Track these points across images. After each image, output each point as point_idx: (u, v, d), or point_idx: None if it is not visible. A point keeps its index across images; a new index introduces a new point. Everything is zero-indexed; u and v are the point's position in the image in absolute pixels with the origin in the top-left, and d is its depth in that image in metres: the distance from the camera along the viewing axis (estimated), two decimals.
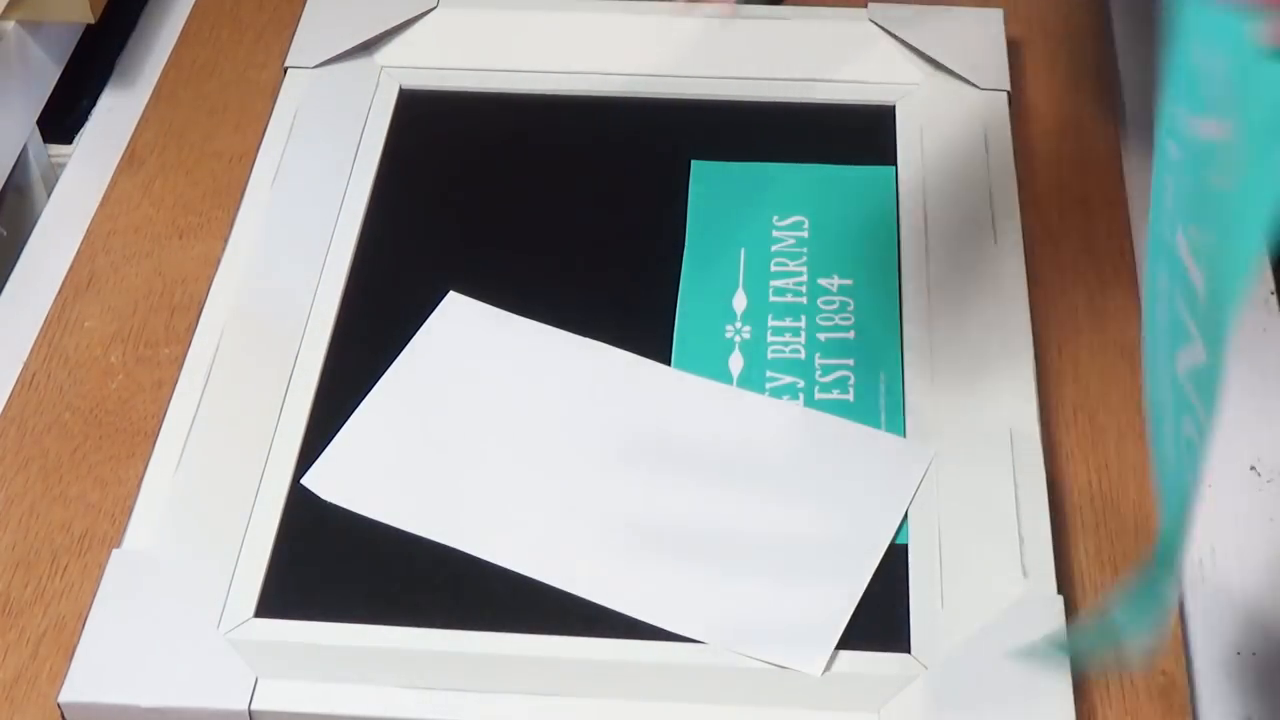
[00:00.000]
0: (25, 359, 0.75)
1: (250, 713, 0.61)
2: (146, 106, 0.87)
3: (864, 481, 0.67)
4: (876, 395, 0.70)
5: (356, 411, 0.70)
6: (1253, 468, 0.71)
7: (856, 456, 0.68)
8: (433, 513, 0.67)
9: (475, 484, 0.68)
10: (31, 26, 0.85)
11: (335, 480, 0.68)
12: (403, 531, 0.67)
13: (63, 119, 0.89)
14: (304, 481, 0.68)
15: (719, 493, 0.67)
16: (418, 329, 0.74)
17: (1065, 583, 0.65)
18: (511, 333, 0.73)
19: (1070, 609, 0.63)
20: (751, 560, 0.65)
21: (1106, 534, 0.68)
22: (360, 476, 0.68)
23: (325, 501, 0.68)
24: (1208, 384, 0.46)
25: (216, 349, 0.73)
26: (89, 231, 0.81)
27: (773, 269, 0.76)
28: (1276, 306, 0.77)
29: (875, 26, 0.85)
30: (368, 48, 0.86)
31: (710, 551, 0.65)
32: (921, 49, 0.84)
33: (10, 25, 0.84)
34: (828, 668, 0.62)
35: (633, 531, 0.66)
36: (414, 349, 0.73)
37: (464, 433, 0.70)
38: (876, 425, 0.69)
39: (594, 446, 0.69)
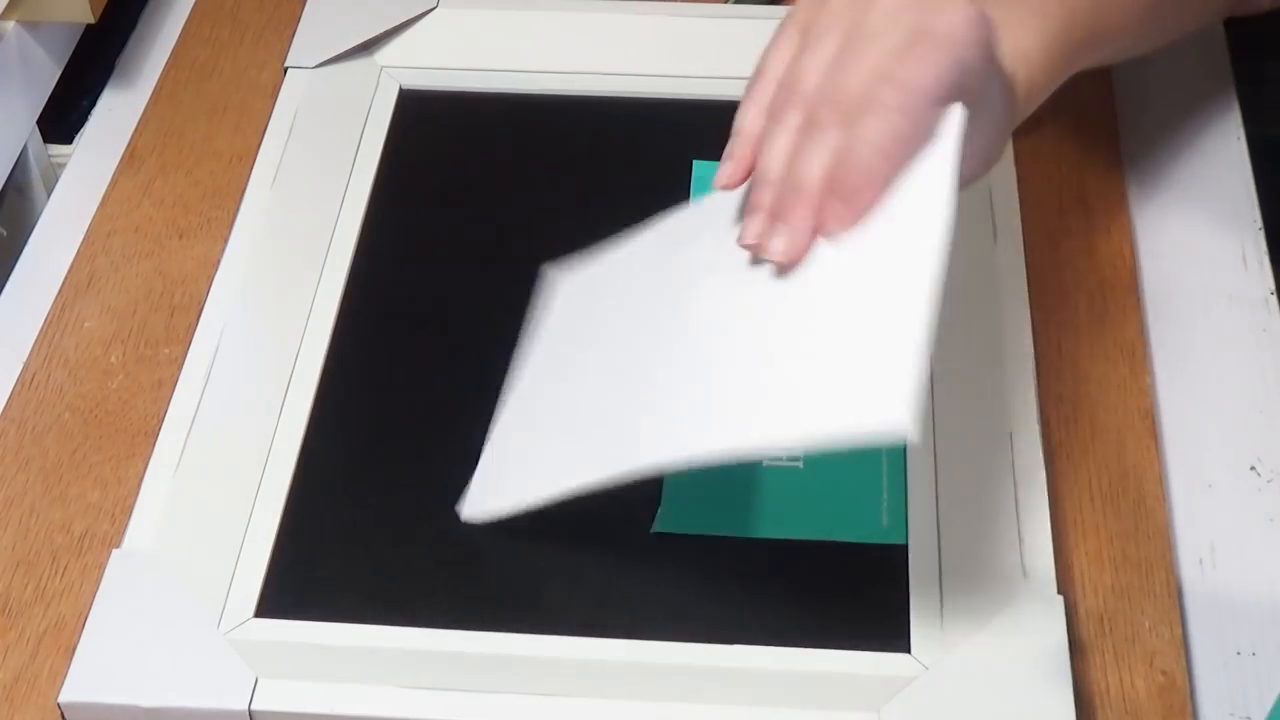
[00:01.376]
0: (25, 359, 0.75)
1: (250, 713, 0.61)
2: (146, 106, 0.87)
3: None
4: None
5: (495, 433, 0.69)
6: (1253, 468, 0.71)
7: None
8: (573, 459, 0.65)
9: (578, 413, 0.67)
10: (31, 26, 0.85)
11: (486, 497, 0.67)
12: (403, 531, 0.67)
13: (63, 119, 0.89)
14: (464, 517, 0.67)
15: (743, 300, 0.63)
16: (418, 329, 0.74)
17: (1065, 583, 0.65)
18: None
19: (1070, 609, 0.63)
20: (797, 344, 0.61)
21: (1106, 534, 0.68)
22: (502, 477, 0.67)
23: (325, 501, 0.68)
24: None
25: (216, 349, 0.73)
26: (89, 231, 0.81)
27: None
28: (1276, 306, 0.77)
29: None
30: (368, 48, 0.86)
31: (750, 353, 0.62)
32: None
33: (10, 25, 0.84)
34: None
35: (691, 376, 0.63)
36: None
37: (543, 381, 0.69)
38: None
39: (656, 329, 0.66)
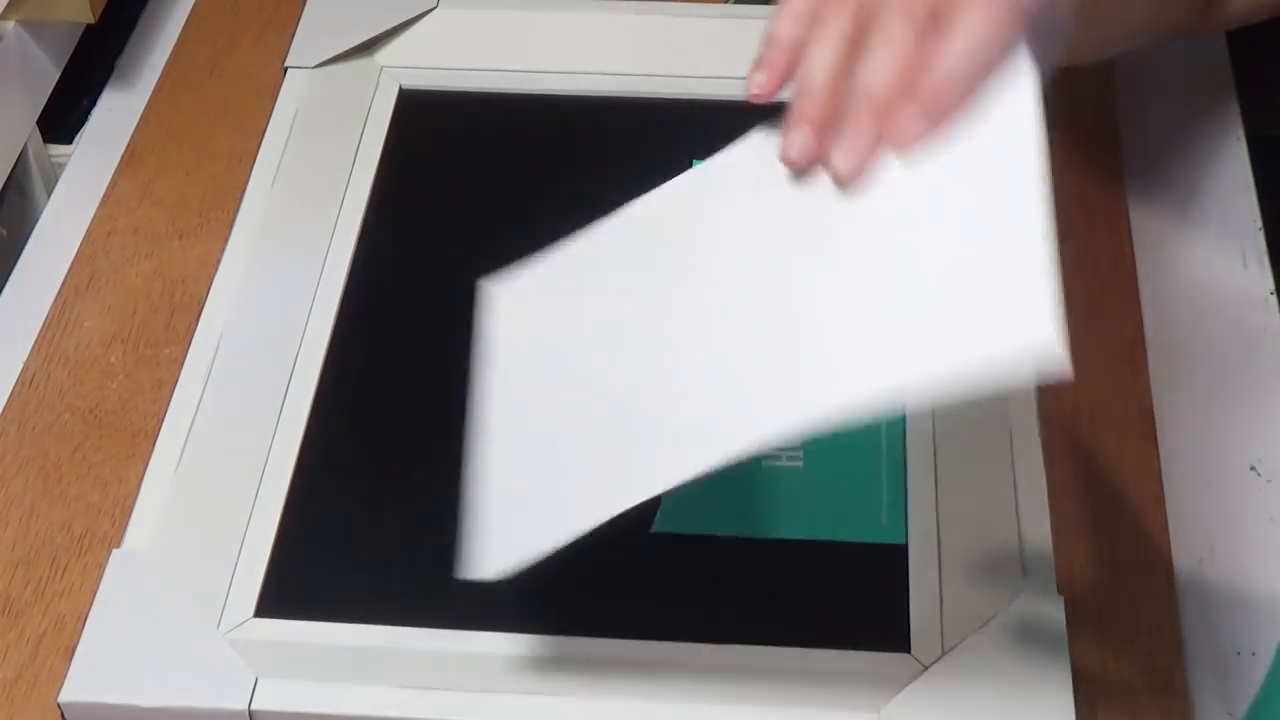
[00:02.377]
0: (25, 359, 0.75)
1: (250, 713, 0.61)
2: (146, 106, 0.87)
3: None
4: None
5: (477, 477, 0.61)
6: (1253, 468, 0.71)
7: None
8: (608, 480, 0.58)
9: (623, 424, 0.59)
10: (31, 26, 0.85)
11: (493, 551, 0.59)
12: (402, 532, 0.67)
13: (63, 119, 0.89)
14: (467, 576, 0.59)
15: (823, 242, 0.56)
16: (417, 329, 0.74)
17: (1065, 583, 0.65)
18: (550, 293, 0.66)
19: (1070, 609, 0.63)
20: (902, 279, 0.53)
21: (1106, 534, 0.68)
22: (508, 526, 0.59)
23: (325, 501, 0.68)
24: None
25: (216, 349, 0.73)
26: (89, 231, 0.81)
27: None
28: (1276, 306, 0.77)
29: None
30: (368, 48, 0.86)
31: (854, 298, 0.54)
32: None
33: (10, 25, 0.84)
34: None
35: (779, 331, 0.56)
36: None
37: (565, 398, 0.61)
38: (876, 426, 0.69)
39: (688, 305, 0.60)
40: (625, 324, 0.61)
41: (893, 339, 0.52)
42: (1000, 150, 0.53)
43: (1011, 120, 0.53)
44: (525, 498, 0.60)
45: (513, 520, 0.59)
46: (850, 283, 0.54)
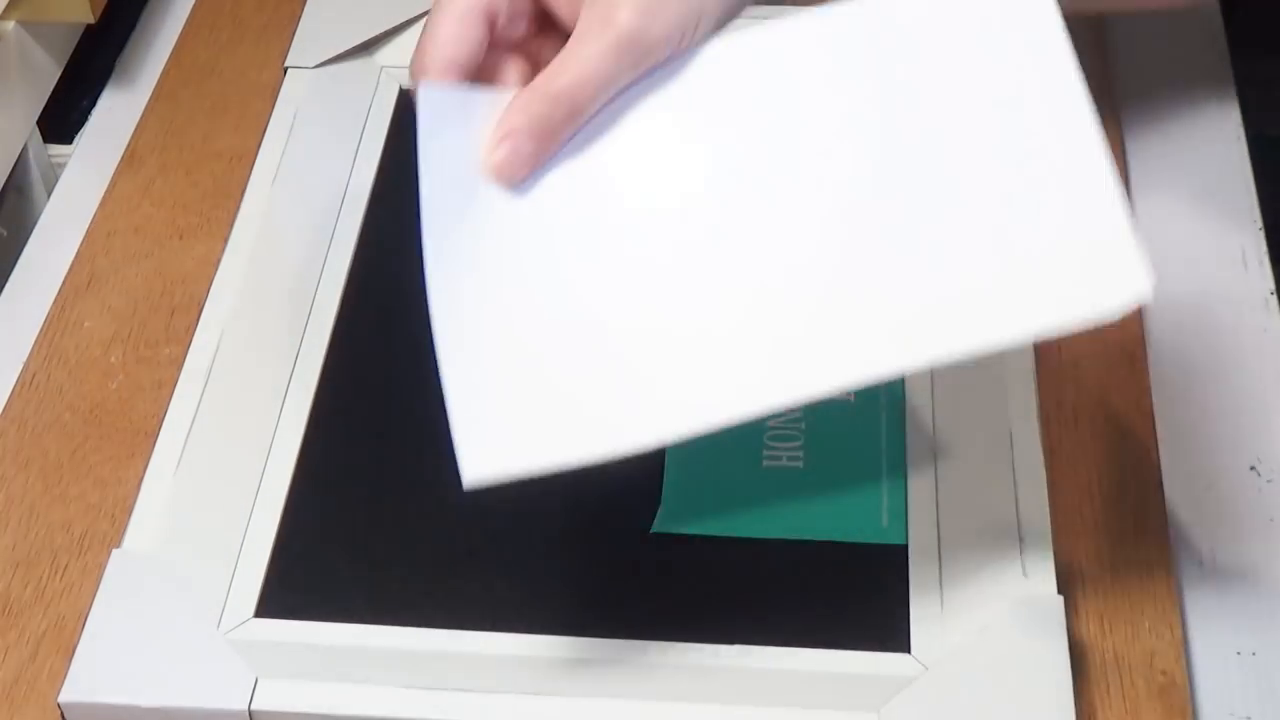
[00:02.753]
0: (25, 359, 0.75)
1: (250, 713, 0.61)
2: (146, 106, 0.87)
3: (1003, 62, 0.56)
4: (877, 396, 0.70)
5: (442, 358, 0.56)
6: (1253, 468, 0.71)
7: (963, 42, 0.57)
8: (630, 407, 0.54)
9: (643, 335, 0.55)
10: (31, 26, 0.85)
11: (494, 448, 0.53)
12: (402, 532, 0.67)
13: (63, 119, 0.89)
14: (466, 482, 0.53)
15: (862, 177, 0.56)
16: (418, 329, 0.74)
17: (1065, 583, 0.65)
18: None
19: (1070, 609, 0.63)
20: (967, 230, 0.54)
21: (1106, 534, 0.68)
22: (515, 421, 0.53)
23: (325, 501, 0.68)
24: None
25: (216, 349, 0.73)
26: (89, 231, 0.81)
27: None
28: (1276, 306, 0.77)
29: None
30: (368, 48, 0.86)
31: (919, 244, 0.54)
32: None
33: (10, 25, 0.84)
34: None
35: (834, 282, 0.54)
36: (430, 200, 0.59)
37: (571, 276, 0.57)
38: (876, 426, 0.69)
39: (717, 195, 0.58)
40: (666, 204, 0.57)
41: (988, 289, 0.53)
42: (1044, 100, 0.54)
43: (1045, 71, 0.54)
44: (535, 381, 0.54)
45: (516, 410, 0.54)
46: (929, 219, 0.54)
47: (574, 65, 0.58)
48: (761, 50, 0.60)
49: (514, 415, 0.54)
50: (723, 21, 0.61)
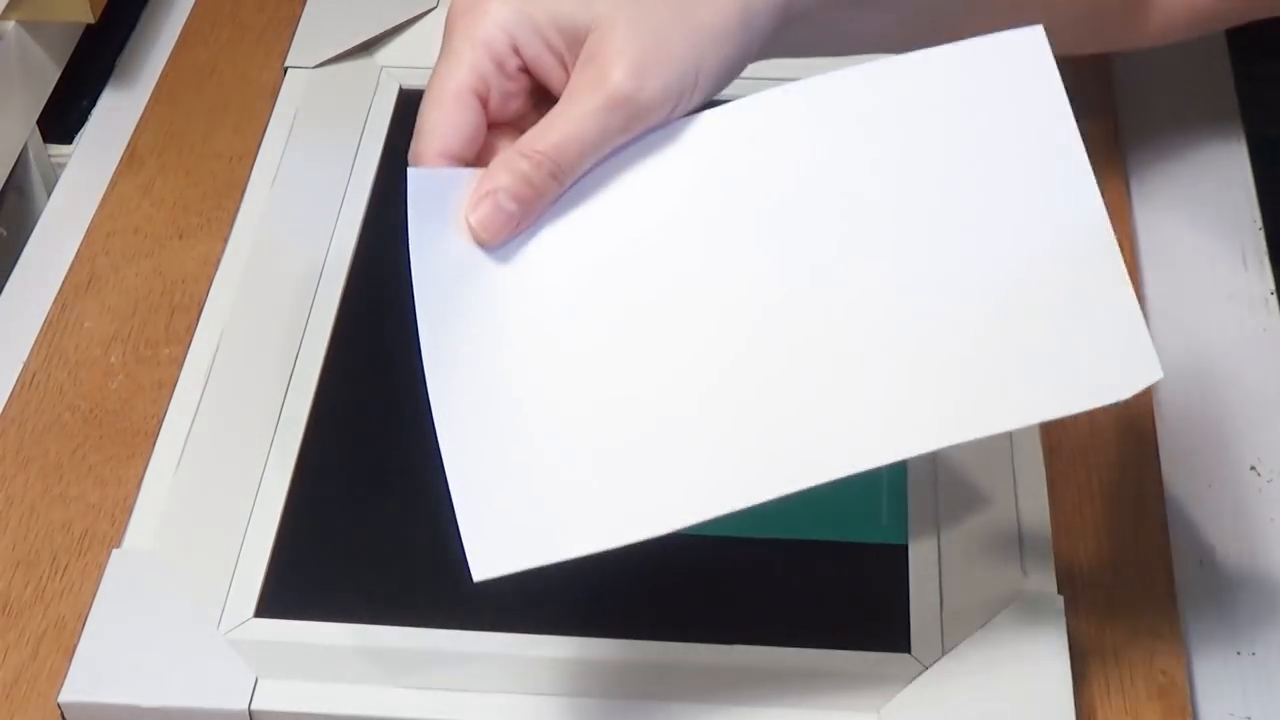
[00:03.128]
0: (25, 359, 0.75)
1: (250, 713, 0.61)
2: (146, 106, 0.87)
3: (1004, 134, 0.56)
4: None
5: (445, 452, 0.55)
6: (1253, 468, 0.71)
7: (960, 111, 0.57)
8: (649, 489, 0.54)
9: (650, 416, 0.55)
10: (31, 26, 0.85)
11: (500, 545, 0.53)
12: (402, 532, 0.67)
13: (63, 119, 0.89)
14: (475, 578, 0.52)
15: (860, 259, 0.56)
16: (418, 329, 0.74)
17: (1065, 583, 0.65)
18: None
19: (1070, 609, 0.63)
20: (974, 314, 0.54)
21: (1106, 534, 0.68)
22: (521, 514, 0.54)
23: (325, 502, 0.68)
24: None
25: (216, 349, 0.73)
26: (89, 231, 0.81)
27: None
28: (1276, 306, 0.77)
29: None
30: (368, 48, 0.86)
31: (920, 332, 0.54)
32: None
33: (10, 25, 0.84)
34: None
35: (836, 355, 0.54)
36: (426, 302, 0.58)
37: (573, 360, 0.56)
38: None
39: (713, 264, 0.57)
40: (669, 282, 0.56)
41: (999, 374, 0.53)
42: (1053, 183, 0.55)
43: (1050, 148, 0.55)
44: (537, 473, 0.54)
45: (521, 505, 0.54)
46: (938, 300, 0.55)
47: (561, 124, 0.56)
48: (761, 117, 0.59)
49: (519, 510, 0.54)
50: (721, 84, 0.59)
